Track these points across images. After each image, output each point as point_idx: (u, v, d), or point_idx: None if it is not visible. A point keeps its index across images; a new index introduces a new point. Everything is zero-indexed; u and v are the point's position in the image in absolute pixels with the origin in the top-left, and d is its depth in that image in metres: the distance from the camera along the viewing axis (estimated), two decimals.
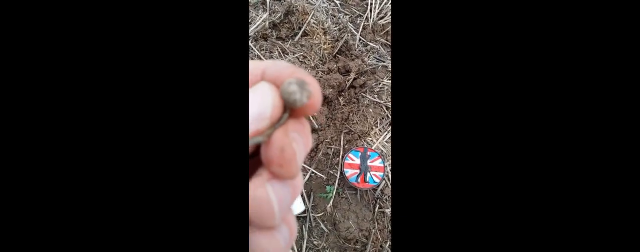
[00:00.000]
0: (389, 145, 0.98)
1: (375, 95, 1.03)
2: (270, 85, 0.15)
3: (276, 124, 0.14)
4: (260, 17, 1.10)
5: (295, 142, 0.14)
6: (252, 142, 0.14)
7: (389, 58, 1.05)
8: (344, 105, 1.01)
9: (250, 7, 1.12)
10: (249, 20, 1.11)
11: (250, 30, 1.09)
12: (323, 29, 1.07)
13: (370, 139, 0.98)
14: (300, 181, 0.16)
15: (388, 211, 0.92)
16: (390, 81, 1.03)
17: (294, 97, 0.14)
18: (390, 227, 0.90)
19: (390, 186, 0.93)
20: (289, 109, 0.15)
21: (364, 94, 1.03)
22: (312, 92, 0.14)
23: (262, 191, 0.14)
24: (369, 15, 1.11)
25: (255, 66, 0.16)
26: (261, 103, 0.14)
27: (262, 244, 0.15)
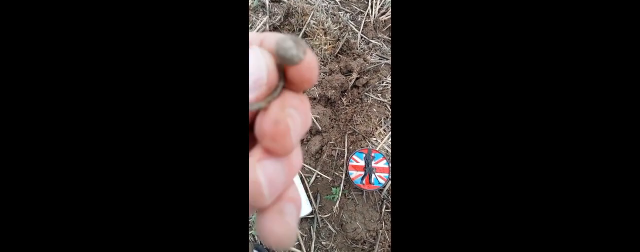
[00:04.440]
0: None
1: (379, 94, 1.02)
2: (263, 49, 0.14)
3: (273, 92, 0.14)
4: (261, 21, 1.10)
5: (290, 118, 0.14)
6: (252, 108, 0.14)
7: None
8: (347, 105, 1.00)
9: (250, 12, 1.12)
10: (250, 25, 1.11)
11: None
12: (323, 29, 1.06)
13: (374, 139, 0.98)
14: (298, 159, 0.15)
15: None
16: None
17: (291, 53, 0.13)
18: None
19: None
20: (284, 78, 0.14)
21: (367, 94, 1.02)
22: (308, 49, 0.14)
23: (250, 173, 0.14)
24: (371, 12, 1.08)
25: (254, 37, 0.15)
26: (256, 66, 0.14)
27: (266, 225, 0.14)
